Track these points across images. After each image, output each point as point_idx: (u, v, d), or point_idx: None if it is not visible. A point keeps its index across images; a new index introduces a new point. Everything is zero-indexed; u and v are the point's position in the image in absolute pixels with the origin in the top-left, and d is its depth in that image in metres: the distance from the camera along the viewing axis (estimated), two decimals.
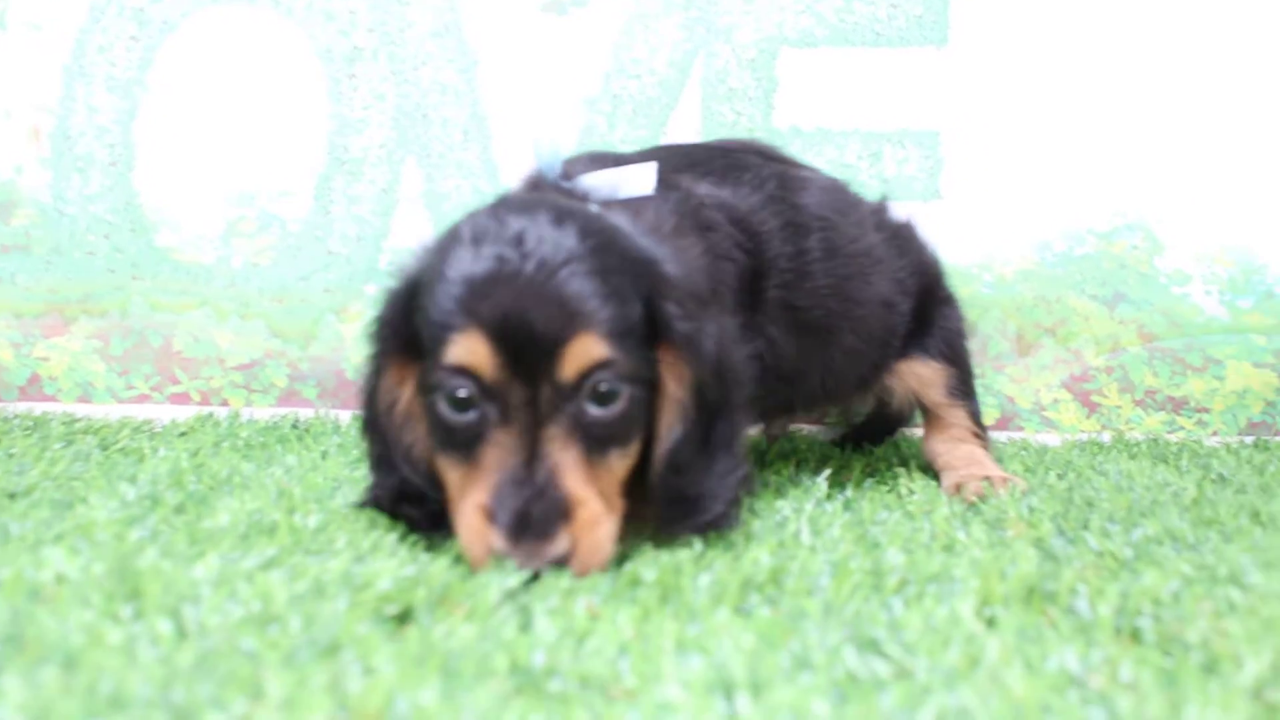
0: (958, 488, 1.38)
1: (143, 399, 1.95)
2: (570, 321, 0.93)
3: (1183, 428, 1.98)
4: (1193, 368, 1.97)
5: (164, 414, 1.84)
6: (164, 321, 1.94)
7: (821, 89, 1.94)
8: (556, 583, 0.88)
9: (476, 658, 0.73)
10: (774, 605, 0.88)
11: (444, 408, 0.95)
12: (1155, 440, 1.88)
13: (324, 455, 1.52)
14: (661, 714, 0.66)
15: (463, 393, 0.94)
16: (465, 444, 0.95)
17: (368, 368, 1.06)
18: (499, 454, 0.93)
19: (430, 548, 1.00)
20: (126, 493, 1.16)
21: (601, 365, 0.94)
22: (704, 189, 1.25)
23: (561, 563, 0.90)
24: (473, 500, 0.93)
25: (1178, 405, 1.98)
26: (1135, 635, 0.83)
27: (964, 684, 0.70)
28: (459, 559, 0.95)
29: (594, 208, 1.06)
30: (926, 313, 1.50)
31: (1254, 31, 1.94)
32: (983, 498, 1.31)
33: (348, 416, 1.82)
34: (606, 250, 0.98)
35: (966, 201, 1.94)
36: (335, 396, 1.96)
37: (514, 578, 0.87)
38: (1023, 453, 1.71)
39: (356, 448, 1.56)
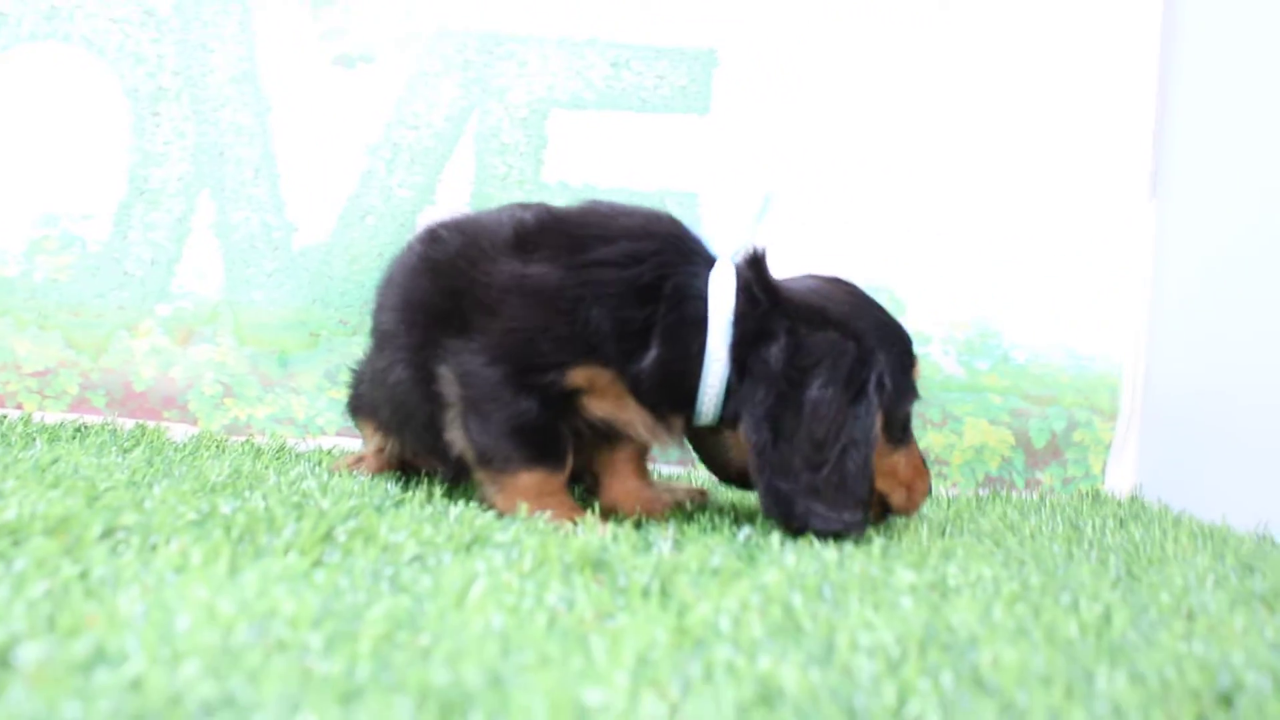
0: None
1: None
2: None
3: None
4: (932, 423, 2.13)
5: None
6: None
7: (589, 148, 2.11)
8: None
9: None
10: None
11: (904, 422, 1.39)
12: None
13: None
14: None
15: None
16: (907, 434, 1.40)
17: (862, 420, 1.30)
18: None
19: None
20: None
21: None
22: None
23: None
24: (918, 456, 1.42)
25: None
26: (646, 592, 0.97)
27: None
28: None
29: None
30: None
31: (987, 118, 2.13)
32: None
33: (131, 424, 1.96)
34: None
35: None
36: (122, 406, 2.08)
37: None
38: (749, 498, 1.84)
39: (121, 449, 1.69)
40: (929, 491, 1.43)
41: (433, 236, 1.45)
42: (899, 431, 1.37)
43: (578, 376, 1.32)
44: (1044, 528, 1.54)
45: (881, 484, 1.36)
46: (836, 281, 1.41)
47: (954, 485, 2.13)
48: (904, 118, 2.13)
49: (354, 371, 1.72)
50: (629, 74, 2.12)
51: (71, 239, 2.09)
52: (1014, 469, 2.13)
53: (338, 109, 2.10)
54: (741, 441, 1.31)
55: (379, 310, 1.52)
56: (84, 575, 0.87)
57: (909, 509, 1.40)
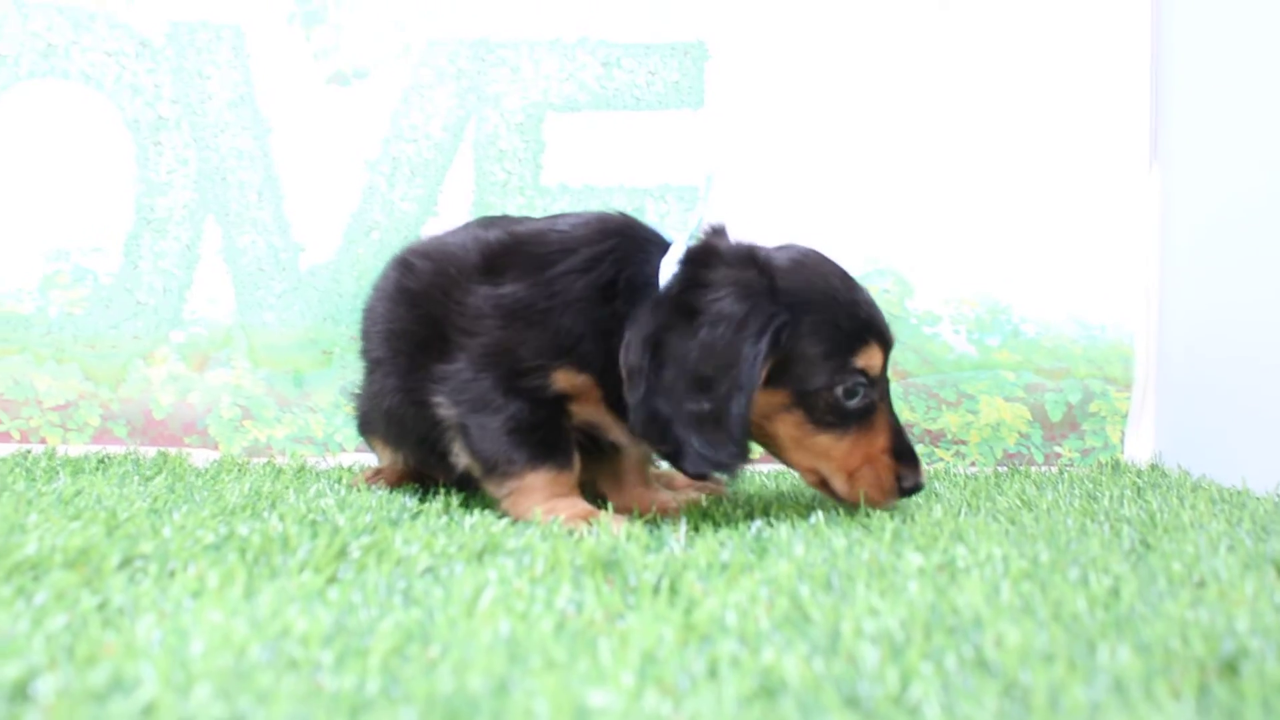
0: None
1: None
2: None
3: (942, 459, 2.13)
4: (947, 402, 2.13)
5: None
6: None
7: (586, 149, 2.12)
8: None
9: None
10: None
11: (843, 399, 1.31)
12: None
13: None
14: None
15: (858, 386, 1.31)
16: (857, 418, 1.32)
17: (746, 358, 1.25)
18: (883, 418, 1.34)
19: None
20: None
21: None
22: None
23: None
24: (877, 446, 1.33)
25: (935, 438, 2.13)
26: (656, 591, 0.98)
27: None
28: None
29: None
30: None
31: (988, 96, 2.13)
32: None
33: (153, 453, 1.98)
34: None
35: None
36: (144, 434, 2.11)
37: None
38: (766, 481, 1.87)
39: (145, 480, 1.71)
40: (892, 490, 1.34)
41: (406, 265, 1.50)
42: (823, 414, 1.31)
43: (560, 379, 1.35)
44: (1061, 502, 1.54)
45: (818, 463, 1.35)
46: (812, 253, 1.37)
47: (972, 464, 2.13)
48: (901, 98, 2.13)
49: (354, 395, 1.75)
50: (621, 72, 2.13)
51: (83, 272, 2.12)
52: (1032, 444, 2.13)
53: (336, 127, 2.12)
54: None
55: (366, 337, 1.58)
56: (103, 605, 0.88)
57: (852, 498, 1.33)
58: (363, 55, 2.13)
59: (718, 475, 1.32)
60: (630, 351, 1.28)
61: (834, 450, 1.33)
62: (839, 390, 1.30)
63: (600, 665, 0.73)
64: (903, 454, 1.35)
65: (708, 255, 1.32)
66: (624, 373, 1.29)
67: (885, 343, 1.35)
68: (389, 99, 2.13)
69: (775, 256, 1.33)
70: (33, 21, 2.11)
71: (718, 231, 1.40)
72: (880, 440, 1.33)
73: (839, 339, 1.29)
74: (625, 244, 1.39)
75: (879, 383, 1.34)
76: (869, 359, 1.31)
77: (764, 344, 1.24)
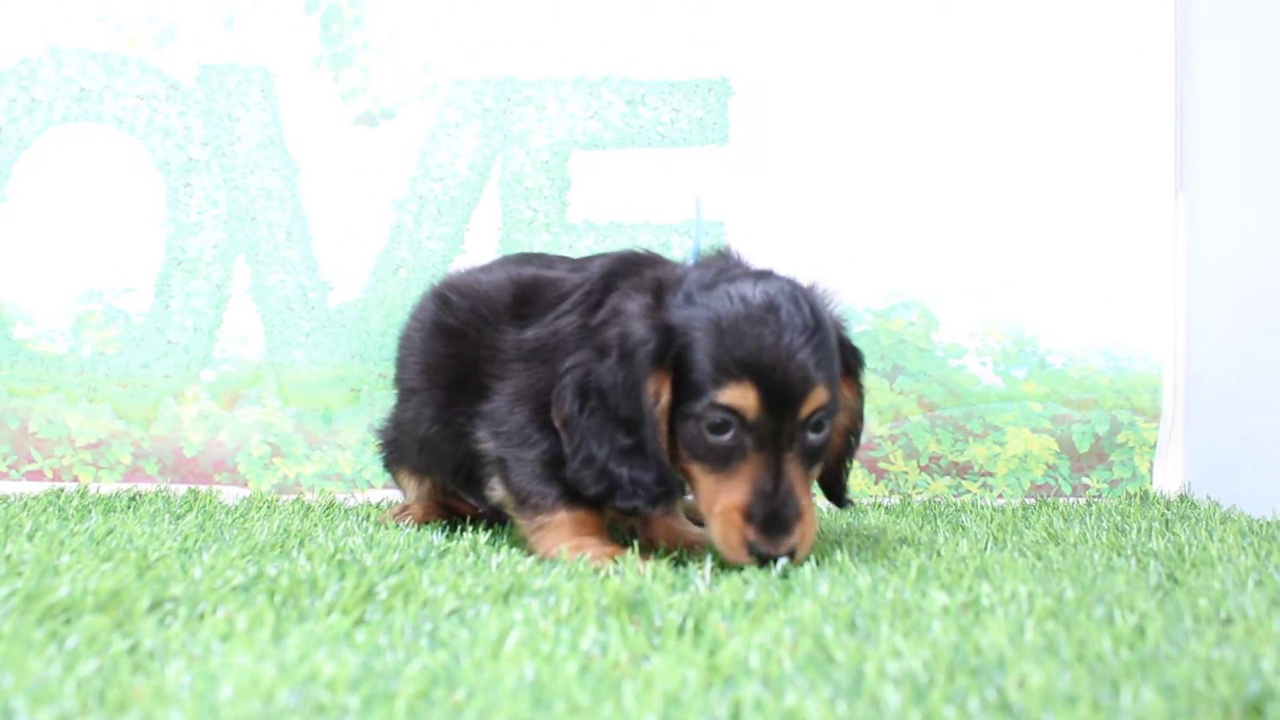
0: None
1: (0, 476, 2.13)
2: (809, 378, 1.23)
3: (969, 491, 2.13)
4: (974, 434, 2.13)
5: (20, 489, 2.01)
6: (20, 406, 2.13)
7: (612, 186, 2.14)
8: None
9: None
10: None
11: (707, 431, 1.23)
12: (937, 501, 2.04)
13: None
14: None
15: (726, 423, 1.23)
16: (722, 458, 1.24)
17: (623, 377, 1.26)
18: (753, 470, 1.22)
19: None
20: None
21: (822, 406, 1.25)
22: None
23: (790, 553, 1.21)
24: (731, 501, 1.23)
25: (962, 470, 2.13)
26: (681, 631, 0.98)
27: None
28: None
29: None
30: None
31: (1012, 127, 2.13)
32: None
33: (184, 490, 2.00)
34: (823, 318, 1.28)
35: None
36: (174, 472, 2.13)
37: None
38: None
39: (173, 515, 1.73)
40: (739, 550, 1.22)
41: (443, 300, 1.56)
42: (691, 442, 1.25)
43: None
44: (1088, 535, 1.54)
45: (695, 494, 1.30)
46: (758, 283, 1.28)
47: (1000, 495, 2.12)
48: (925, 133, 2.14)
49: (379, 430, 1.77)
50: (645, 110, 2.15)
51: (115, 313, 2.15)
52: (1060, 475, 2.12)
53: (363, 167, 2.15)
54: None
55: (402, 366, 1.64)
56: (133, 649, 0.89)
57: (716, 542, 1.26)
58: (389, 96, 2.16)
59: (649, 509, 1.28)
60: (562, 404, 1.31)
61: (700, 484, 1.27)
62: (704, 422, 1.23)
63: (624, 709, 0.74)
64: (756, 518, 1.21)
65: (631, 286, 1.35)
66: (558, 423, 1.32)
67: (767, 385, 1.22)
68: (416, 139, 2.15)
69: (703, 283, 1.29)
70: (67, 67, 2.15)
71: (722, 255, 1.42)
72: (736, 495, 1.23)
73: (709, 369, 1.23)
74: (618, 269, 1.43)
75: (758, 428, 1.22)
76: (735, 396, 1.21)
77: (640, 365, 1.24)
